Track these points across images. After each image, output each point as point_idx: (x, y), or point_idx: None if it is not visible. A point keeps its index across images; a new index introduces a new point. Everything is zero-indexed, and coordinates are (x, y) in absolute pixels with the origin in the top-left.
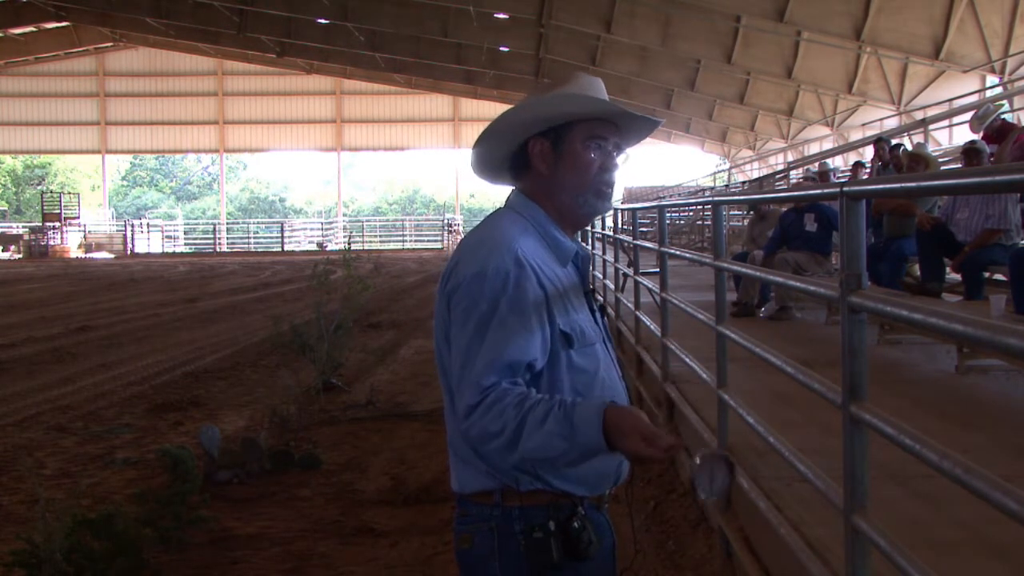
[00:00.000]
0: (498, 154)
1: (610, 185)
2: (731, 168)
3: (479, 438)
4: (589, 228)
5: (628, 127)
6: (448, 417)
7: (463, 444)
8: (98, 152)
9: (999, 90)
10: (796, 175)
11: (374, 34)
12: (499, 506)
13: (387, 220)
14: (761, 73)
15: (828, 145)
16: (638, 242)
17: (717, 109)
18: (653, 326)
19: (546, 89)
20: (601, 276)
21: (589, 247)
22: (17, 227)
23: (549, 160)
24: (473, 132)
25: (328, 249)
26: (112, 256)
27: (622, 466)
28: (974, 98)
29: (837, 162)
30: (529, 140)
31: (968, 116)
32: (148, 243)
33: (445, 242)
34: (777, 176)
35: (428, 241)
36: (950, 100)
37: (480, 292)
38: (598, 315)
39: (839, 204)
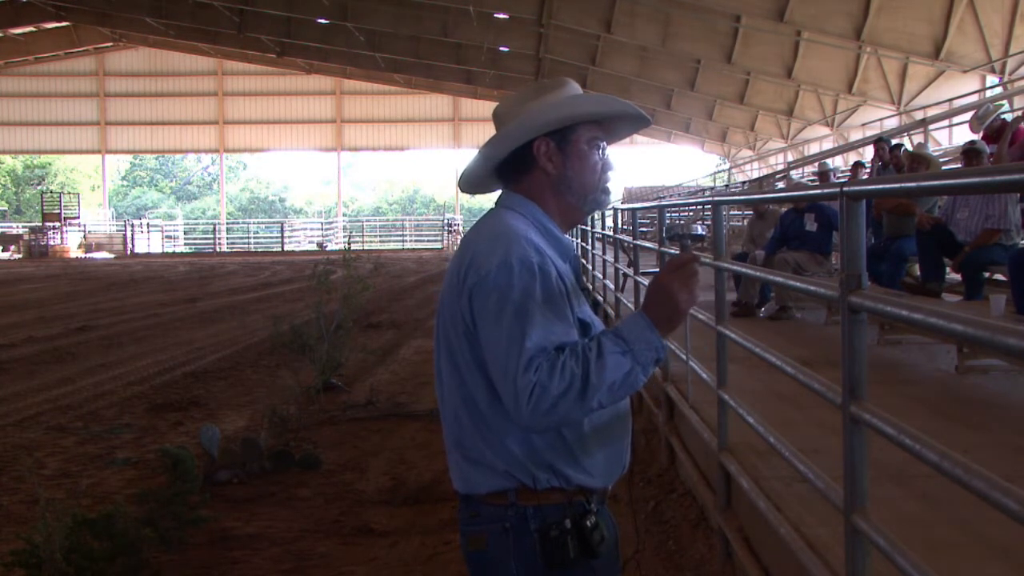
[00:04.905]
0: (498, 157)
1: (609, 182)
2: (731, 168)
3: (550, 408)
4: (589, 228)
5: (614, 129)
6: (458, 415)
7: (475, 444)
8: (98, 152)
9: (999, 90)
10: (796, 175)
11: (374, 34)
12: (513, 506)
13: (387, 220)
14: (761, 73)
15: (828, 145)
16: (638, 242)
17: (717, 109)
18: None
19: (540, 92)
20: (601, 276)
21: (589, 247)
22: (17, 227)
23: (556, 160)
24: (473, 132)
25: (328, 249)
26: (112, 256)
27: (626, 454)
28: (974, 98)
29: (837, 162)
30: (534, 141)
31: (968, 116)
32: (148, 243)
33: (445, 242)
34: (777, 176)
35: (428, 241)
36: (950, 100)
37: (509, 282)
38: (594, 310)
39: (839, 204)
